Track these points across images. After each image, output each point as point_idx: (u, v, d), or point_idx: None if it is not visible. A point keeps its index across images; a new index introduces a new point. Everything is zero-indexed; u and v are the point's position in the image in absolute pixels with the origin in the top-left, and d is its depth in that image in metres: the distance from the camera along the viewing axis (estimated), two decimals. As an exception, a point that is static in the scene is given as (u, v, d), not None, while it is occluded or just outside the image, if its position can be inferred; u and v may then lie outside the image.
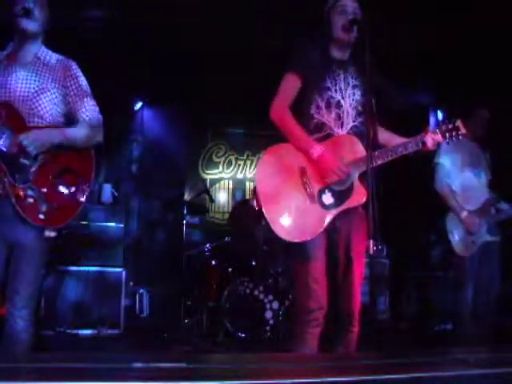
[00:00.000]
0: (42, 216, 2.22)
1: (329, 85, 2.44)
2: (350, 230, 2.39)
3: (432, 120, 6.67)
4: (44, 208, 2.23)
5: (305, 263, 2.34)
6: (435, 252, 5.56)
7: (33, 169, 2.24)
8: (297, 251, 2.36)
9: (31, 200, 2.21)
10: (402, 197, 5.71)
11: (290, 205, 2.31)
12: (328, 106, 2.43)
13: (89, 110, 2.44)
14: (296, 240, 2.30)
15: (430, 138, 2.40)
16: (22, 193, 2.21)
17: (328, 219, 2.32)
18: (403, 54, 4.91)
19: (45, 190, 2.25)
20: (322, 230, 2.30)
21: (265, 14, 4.68)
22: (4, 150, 2.18)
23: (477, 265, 3.54)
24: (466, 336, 3.45)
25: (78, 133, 2.36)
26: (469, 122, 3.65)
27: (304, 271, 2.35)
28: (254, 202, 2.36)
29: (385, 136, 2.52)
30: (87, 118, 2.43)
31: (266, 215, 2.29)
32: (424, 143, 2.40)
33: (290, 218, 2.30)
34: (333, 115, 2.43)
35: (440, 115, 6.62)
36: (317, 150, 2.32)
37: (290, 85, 2.45)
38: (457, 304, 3.61)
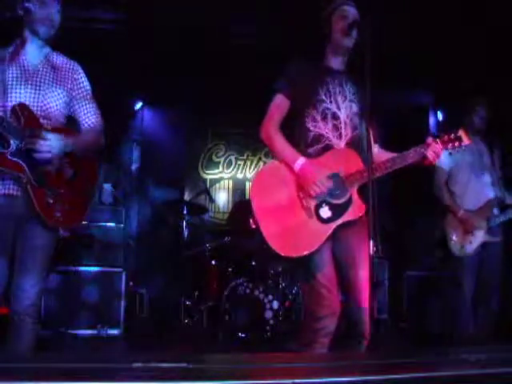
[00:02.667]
0: (59, 216, 2.27)
1: (323, 97, 2.44)
2: (354, 237, 2.37)
3: (432, 120, 6.66)
4: (60, 208, 2.28)
5: (313, 271, 2.32)
6: (434, 252, 5.55)
7: (51, 170, 2.27)
8: (305, 260, 2.33)
9: (50, 200, 2.25)
10: (402, 196, 5.72)
11: (286, 220, 2.30)
12: (324, 117, 2.42)
13: (92, 115, 2.49)
14: (294, 255, 2.28)
15: (432, 152, 2.38)
16: (41, 193, 2.24)
17: (326, 233, 2.30)
18: (403, 54, 4.90)
19: (62, 190, 2.30)
20: (321, 243, 2.28)
21: (265, 16, 4.68)
22: (25, 151, 2.20)
23: (476, 265, 3.54)
24: (465, 336, 3.45)
25: (88, 140, 2.43)
26: (468, 116, 3.66)
27: (313, 279, 2.33)
28: (251, 220, 2.36)
29: (381, 155, 2.51)
30: (92, 125, 2.48)
31: (262, 233, 2.28)
32: (425, 156, 2.39)
33: (287, 233, 2.29)
34: (330, 126, 2.42)
35: (440, 115, 6.61)
36: (299, 163, 2.31)
37: (278, 105, 2.47)
38: (455, 304, 3.60)
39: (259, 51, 5.13)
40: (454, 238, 3.54)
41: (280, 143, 2.41)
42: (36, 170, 2.23)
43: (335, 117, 2.43)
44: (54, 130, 2.33)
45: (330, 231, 2.30)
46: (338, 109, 2.44)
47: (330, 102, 2.44)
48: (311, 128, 2.42)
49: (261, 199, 2.34)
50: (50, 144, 2.21)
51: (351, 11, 2.43)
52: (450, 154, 2.50)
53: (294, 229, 2.29)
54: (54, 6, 2.35)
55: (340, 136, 2.43)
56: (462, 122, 3.58)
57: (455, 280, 3.61)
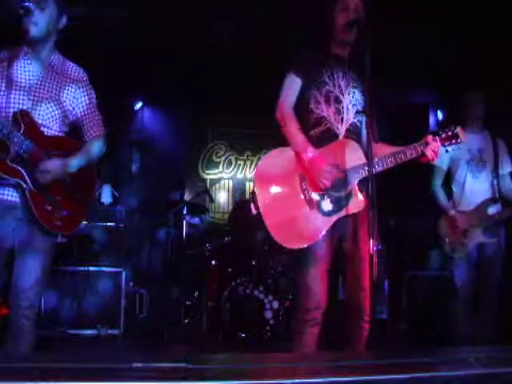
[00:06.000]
0: (58, 223, 2.28)
1: (326, 79, 2.44)
2: (357, 226, 2.39)
3: (432, 120, 6.66)
4: (59, 215, 2.29)
5: (306, 263, 2.35)
6: (434, 252, 5.55)
7: (49, 177, 2.27)
8: (299, 252, 2.36)
9: (49, 207, 2.26)
10: (401, 196, 5.71)
11: (288, 211, 2.31)
12: (327, 100, 2.43)
13: (95, 126, 2.48)
14: (293, 246, 2.30)
15: (430, 150, 2.37)
16: (40, 200, 2.25)
17: (327, 226, 2.31)
18: (403, 53, 4.90)
19: (59, 197, 2.31)
20: (320, 236, 2.30)
21: (265, 14, 4.68)
22: (24, 156, 2.21)
23: (473, 266, 3.52)
24: (465, 336, 3.45)
25: (91, 154, 2.43)
26: (466, 104, 3.64)
27: (304, 271, 2.36)
28: (252, 205, 2.35)
29: (383, 149, 2.49)
30: (95, 135, 2.48)
31: (263, 220, 2.28)
32: (424, 154, 2.38)
33: (288, 224, 2.29)
34: (332, 109, 2.43)
35: (440, 115, 6.61)
36: (309, 154, 2.31)
37: (291, 85, 2.47)
38: (454, 304, 3.60)
39: (259, 51, 5.13)
40: (446, 238, 3.53)
41: (293, 128, 2.40)
42: (35, 177, 2.23)
43: (338, 101, 2.44)
44: (54, 143, 2.32)
45: (330, 224, 2.32)
46: (341, 93, 2.45)
47: (333, 85, 2.45)
48: (314, 110, 2.43)
49: (264, 188, 2.34)
50: (49, 172, 2.24)
51: (352, 3, 2.42)
52: (447, 151, 2.50)
53: (296, 220, 2.30)
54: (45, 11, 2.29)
55: (341, 120, 2.43)
56: (461, 112, 3.58)
57: (452, 280, 3.61)
